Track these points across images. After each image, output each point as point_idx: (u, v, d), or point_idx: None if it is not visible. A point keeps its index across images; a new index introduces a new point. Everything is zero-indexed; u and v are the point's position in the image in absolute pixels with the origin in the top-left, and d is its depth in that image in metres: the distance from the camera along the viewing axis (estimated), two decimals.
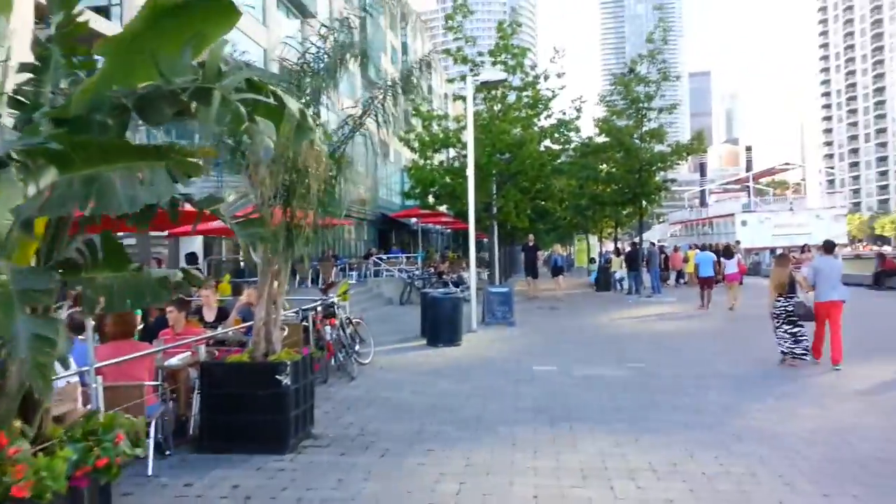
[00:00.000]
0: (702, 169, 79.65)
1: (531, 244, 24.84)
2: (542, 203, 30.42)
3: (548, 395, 8.43)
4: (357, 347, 10.67)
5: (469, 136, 14.66)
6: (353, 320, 11.06)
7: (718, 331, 14.95)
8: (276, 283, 6.68)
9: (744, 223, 46.01)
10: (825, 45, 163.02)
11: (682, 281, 29.98)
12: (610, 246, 39.13)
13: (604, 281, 27.62)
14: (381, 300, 23.11)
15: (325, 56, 7.23)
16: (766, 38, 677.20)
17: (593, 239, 45.26)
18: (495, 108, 23.90)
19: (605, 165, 26.50)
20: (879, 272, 24.69)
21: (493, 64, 22.56)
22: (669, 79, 23.77)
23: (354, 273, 26.41)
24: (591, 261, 34.88)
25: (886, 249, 58.22)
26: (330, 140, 7.29)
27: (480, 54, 23.60)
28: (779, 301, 10.33)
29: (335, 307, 10.68)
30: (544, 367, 10.46)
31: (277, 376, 6.11)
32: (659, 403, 7.92)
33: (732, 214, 49.20)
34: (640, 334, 14.16)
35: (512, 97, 24.51)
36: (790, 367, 10.03)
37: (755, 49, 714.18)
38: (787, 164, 62.52)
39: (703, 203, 65.87)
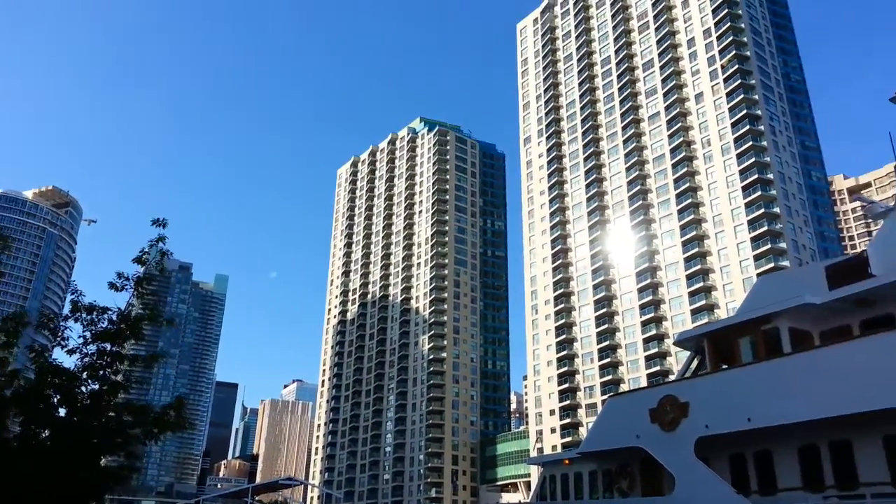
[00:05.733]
0: (201, 477, 70.99)
1: None
2: None
3: None
4: None
5: None
6: None
7: None
8: None
9: None
10: (339, 375, 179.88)
11: None
12: None
13: None
14: None
15: None
16: (290, 361, 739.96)
17: None
18: None
19: None
20: None
21: None
22: (160, 321, 17.41)
23: None
24: None
25: None
26: None
27: None
28: None
29: None
30: None
31: None
32: None
33: None
34: None
35: None
36: None
37: (281, 370, 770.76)
38: (289, 478, 58.91)
39: None
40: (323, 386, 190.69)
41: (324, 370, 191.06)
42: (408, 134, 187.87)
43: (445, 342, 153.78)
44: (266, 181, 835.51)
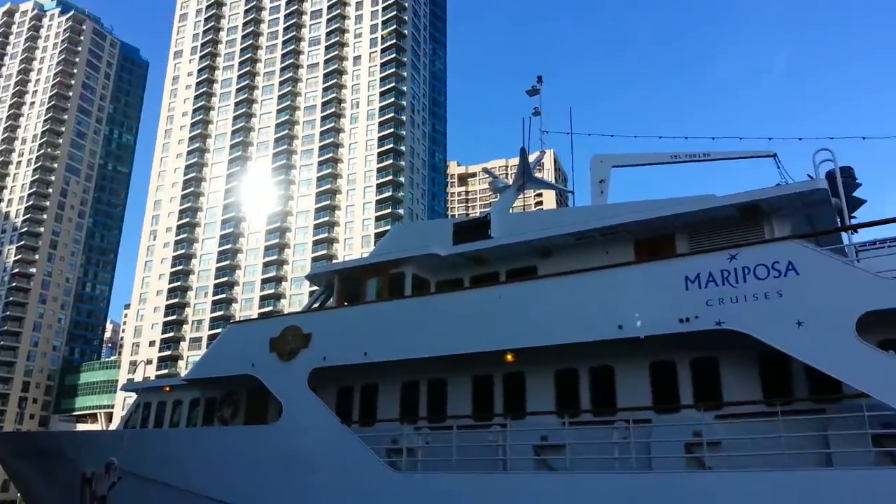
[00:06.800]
0: None
1: None
2: None
3: None
4: None
5: None
6: None
7: None
8: None
9: None
10: None
11: None
12: None
13: None
14: None
15: None
16: None
17: None
18: None
19: None
20: None
21: None
22: None
23: None
24: None
25: None
26: None
27: None
28: None
29: None
30: None
31: None
32: None
33: None
34: None
35: None
36: None
37: None
38: None
39: None
40: None
41: None
42: (33, 9, 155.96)
43: (37, 256, 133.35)
44: None
